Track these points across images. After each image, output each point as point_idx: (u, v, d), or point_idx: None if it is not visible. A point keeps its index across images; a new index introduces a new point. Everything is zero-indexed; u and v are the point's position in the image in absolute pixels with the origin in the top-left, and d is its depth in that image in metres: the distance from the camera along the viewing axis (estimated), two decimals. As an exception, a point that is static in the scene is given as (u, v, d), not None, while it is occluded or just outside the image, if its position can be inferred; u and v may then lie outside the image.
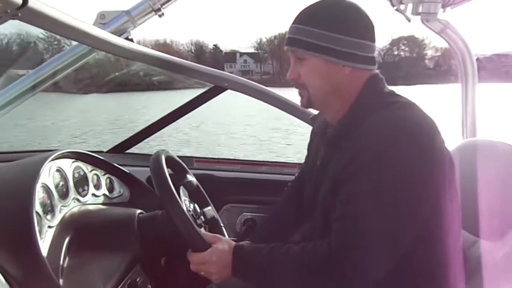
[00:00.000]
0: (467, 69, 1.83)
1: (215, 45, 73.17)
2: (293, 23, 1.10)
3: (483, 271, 1.15)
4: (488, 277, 1.14)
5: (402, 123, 0.98)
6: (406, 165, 0.93)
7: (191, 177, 1.45)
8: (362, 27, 1.07)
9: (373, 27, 1.08)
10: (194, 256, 1.09)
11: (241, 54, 68.78)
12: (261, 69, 66.85)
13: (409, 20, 1.74)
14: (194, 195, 1.42)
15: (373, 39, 1.08)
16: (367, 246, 0.94)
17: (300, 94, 1.14)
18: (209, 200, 1.47)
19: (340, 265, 0.95)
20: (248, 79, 2.11)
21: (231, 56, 69.22)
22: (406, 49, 72.54)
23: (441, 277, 1.02)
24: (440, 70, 63.81)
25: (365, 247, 0.94)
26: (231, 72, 2.18)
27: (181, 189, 1.34)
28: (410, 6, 1.71)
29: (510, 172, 1.22)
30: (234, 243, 1.10)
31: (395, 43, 71.83)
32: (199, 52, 70.33)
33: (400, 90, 1.17)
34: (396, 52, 72.23)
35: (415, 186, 0.94)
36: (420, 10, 1.68)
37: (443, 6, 1.68)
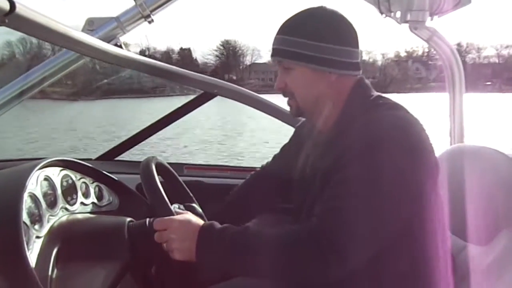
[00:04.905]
0: (454, 76, 1.86)
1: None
2: (278, 33, 1.11)
3: (472, 277, 1.15)
4: (477, 282, 1.15)
5: (392, 121, 1.01)
6: (398, 156, 0.95)
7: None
8: (346, 34, 1.09)
9: (356, 33, 1.11)
10: (157, 222, 1.06)
11: (413, 61, 71.56)
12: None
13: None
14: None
15: (356, 45, 1.10)
16: (351, 229, 0.93)
17: (289, 104, 1.15)
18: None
19: (320, 248, 0.93)
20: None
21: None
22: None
23: (426, 278, 1.02)
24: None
25: (349, 229, 0.93)
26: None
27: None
28: (398, 14, 1.73)
29: (495, 177, 1.24)
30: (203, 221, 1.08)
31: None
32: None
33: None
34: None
35: (405, 178, 0.96)
36: (408, 18, 1.70)
37: (431, 15, 1.71)
